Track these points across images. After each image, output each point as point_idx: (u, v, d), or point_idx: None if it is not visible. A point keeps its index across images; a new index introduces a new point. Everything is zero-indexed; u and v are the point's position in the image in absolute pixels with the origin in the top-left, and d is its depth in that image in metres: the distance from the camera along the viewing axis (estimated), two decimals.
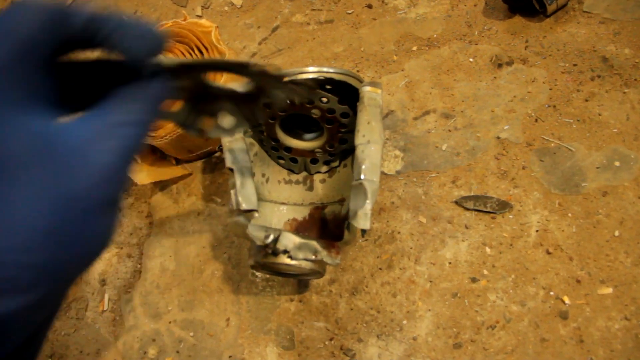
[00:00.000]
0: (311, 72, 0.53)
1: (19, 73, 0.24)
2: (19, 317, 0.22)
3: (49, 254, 0.22)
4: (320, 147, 0.62)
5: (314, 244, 0.52)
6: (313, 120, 0.58)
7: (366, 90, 0.53)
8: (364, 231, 0.49)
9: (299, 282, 0.63)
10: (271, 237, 0.51)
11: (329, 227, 0.61)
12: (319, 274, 0.56)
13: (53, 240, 0.22)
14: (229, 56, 0.69)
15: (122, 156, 0.25)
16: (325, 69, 0.53)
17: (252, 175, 0.56)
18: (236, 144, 0.57)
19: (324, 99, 0.54)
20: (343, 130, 0.59)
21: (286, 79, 0.51)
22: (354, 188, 0.50)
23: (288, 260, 0.52)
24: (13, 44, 0.24)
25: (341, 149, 0.62)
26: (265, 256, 0.53)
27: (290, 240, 0.51)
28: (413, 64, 0.74)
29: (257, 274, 0.65)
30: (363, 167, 0.50)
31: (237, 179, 0.54)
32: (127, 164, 0.26)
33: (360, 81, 0.55)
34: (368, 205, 0.49)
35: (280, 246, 0.51)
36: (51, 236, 0.22)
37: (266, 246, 0.51)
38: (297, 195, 0.66)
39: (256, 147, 0.64)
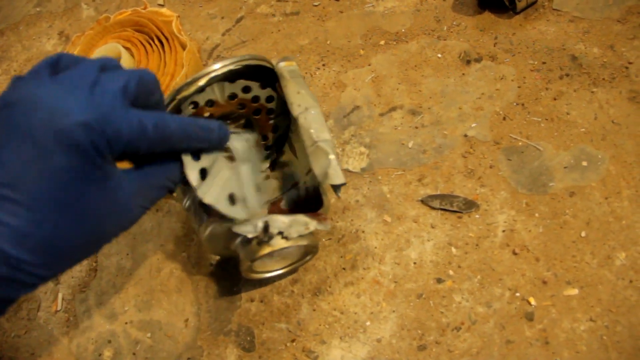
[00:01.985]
0: (223, 65, 0.51)
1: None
2: None
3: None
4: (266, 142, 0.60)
5: (302, 217, 0.51)
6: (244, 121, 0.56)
7: (283, 66, 0.52)
8: (337, 188, 0.48)
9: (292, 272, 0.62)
10: (261, 224, 0.49)
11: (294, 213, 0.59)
12: (315, 249, 0.55)
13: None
14: (191, 47, 0.66)
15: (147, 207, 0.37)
16: (236, 59, 0.51)
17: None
18: None
19: (246, 89, 0.53)
20: (272, 116, 0.57)
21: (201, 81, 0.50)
22: (311, 154, 0.49)
23: (285, 242, 0.50)
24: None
25: (275, 137, 0.60)
26: (260, 246, 0.51)
27: (279, 221, 0.49)
28: (380, 58, 0.72)
29: (214, 275, 0.63)
30: (312, 131, 0.49)
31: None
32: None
33: (270, 64, 0.54)
34: (333, 161, 0.47)
35: (274, 229, 0.49)
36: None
37: (258, 236, 0.49)
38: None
39: None
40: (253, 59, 0.52)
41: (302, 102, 0.50)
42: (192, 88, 0.50)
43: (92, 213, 0.32)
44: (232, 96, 0.53)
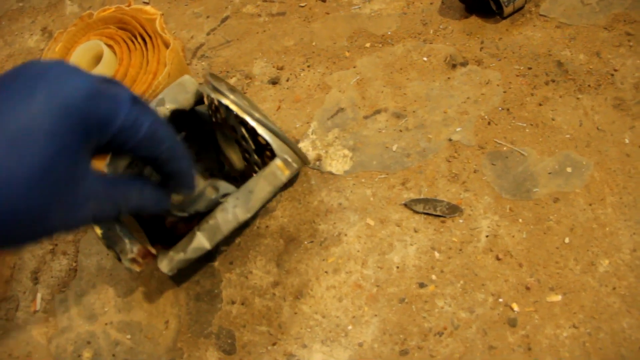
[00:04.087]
0: (234, 102, 0.50)
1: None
2: None
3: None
4: (241, 170, 0.60)
5: (126, 244, 0.50)
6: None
7: (275, 162, 0.51)
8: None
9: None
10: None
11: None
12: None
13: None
14: (174, 46, 0.65)
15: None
16: (252, 114, 0.50)
17: None
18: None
19: (244, 140, 0.52)
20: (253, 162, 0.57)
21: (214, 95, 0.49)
22: (190, 232, 0.49)
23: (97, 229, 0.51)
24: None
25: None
26: None
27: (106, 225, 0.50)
28: (365, 61, 0.72)
29: (195, 276, 0.63)
30: (209, 222, 0.49)
31: None
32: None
33: (296, 153, 0.52)
34: (180, 255, 0.49)
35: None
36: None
37: None
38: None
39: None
40: (274, 132, 0.51)
41: (239, 199, 0.50)
42: (217, 95, 0.51)
43: (48, 191, 0.30)
44: (234, 129, 0.52)
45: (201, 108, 0.60)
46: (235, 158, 0.59)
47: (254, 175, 0.51)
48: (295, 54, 0.75)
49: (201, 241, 0.48)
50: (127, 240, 0.49)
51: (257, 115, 0.50)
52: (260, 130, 0.50)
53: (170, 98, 0.54)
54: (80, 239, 0.70)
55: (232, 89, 0.56)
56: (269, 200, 0.50)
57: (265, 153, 0.54)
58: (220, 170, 0.64)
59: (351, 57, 0.72)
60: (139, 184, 0.39)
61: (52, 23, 0.90)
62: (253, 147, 0.52)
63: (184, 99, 0.55)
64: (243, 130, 0.51)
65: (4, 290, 0.69)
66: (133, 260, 0.49)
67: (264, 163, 0.55)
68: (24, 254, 0.71)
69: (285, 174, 0.50)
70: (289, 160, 0.51)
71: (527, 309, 0.55)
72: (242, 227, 0.62)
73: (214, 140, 0.62)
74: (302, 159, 0.52)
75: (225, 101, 0.50)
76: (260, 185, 0.50)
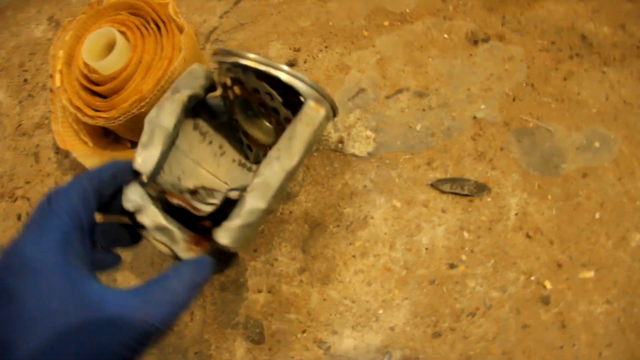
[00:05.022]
0: (254, 60, 0.48)
1: (74, 247, 0.35)
2: None
3: None
4: (271, 144, 0.58)
5: (176, 233, 0.47)
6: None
7: (307, 104, 0.48)
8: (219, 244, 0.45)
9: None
10: (132, 205, 0.45)
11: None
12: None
13: None
14: (189, 30, 0.64)
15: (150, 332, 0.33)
16: (273, 65, 0.48)
17: (166, 140, 0.50)
18: (171, 103, 0.52)
19: (270, 96, 0.50)
20: None
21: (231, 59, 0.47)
22: (241, 198, 0.45)
23: (146, 235, 0.47)
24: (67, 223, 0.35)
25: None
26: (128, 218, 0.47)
27: (151, 218, 0.46)
28: (385, 40, 0.70)
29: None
30: (256, 180, 0.45)
31: (144, 136, 0.49)
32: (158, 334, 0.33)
33: (322, 94, 0.50)
34: (235, 222, 0.44)
35: (138, 219, 0.45)
36: None
37: (128, 212, 0.46)
38: (240, 180, 0.62)
39: (225, 118, 0.60)
40: (297, 77, 0.49)
41: (280, 149, 0.47)
42: (231, 59, 0.49)
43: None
44: (257, 91, 0.50)
45: (213, 100, 0.58)
46: (261, 134, 0.58)
47: (290, 124, 0.49)
48: (311, 34, 0.73)
49: (253, 202, 0.45)
50: (176, 231, 0.47)
51: (277, 64, 0.48)
52: (284, 76, 0.48)
53: (184, 84, 0.53)
54: None
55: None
56: (311, 148, 0.47)
57: (293, 107, 0.52)
58: (246, 158, 0.62)
59: (370, 36, 0.71)
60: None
61: (58, 12, 0.88)
62: (281, 99, 0.50)
63: (198, 84, 0.54)
64: (267, 85, 0.49)
65: None
66: (189, 249, 0.48)
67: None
68: None
69: (320, 113, 0.48)
70: (321, 98, 0.49)
71: (559, 286, 0.54)
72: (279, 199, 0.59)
73: (231, 131, 0.61)
74: (331, 102, 0.50)
75: (242, 61, 0.48)
76: (299, 129, 0.47)
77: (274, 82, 0.49)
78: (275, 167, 0.46)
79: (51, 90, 0.69)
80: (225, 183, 0.61)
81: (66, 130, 0.68)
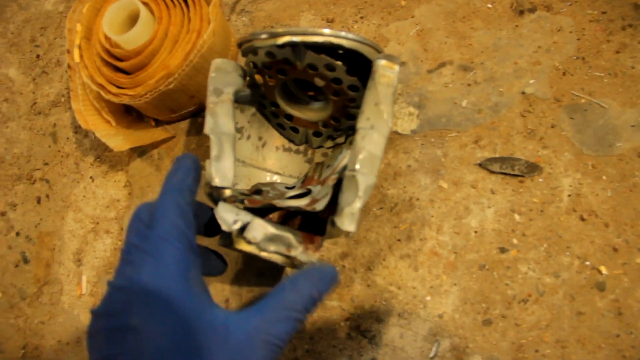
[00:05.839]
0: (311, 33, 0.45)
1: (193, 273, 0.35)
2: None
3: None
4: (325, 120, 0.55)
5: (289, 237, 0.45)
6: (319, 88, 0.50)
7: (380, 65, 0.45)
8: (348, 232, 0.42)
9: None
10: (239, 224, 0.43)
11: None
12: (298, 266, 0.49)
13: None
14: (217, 0, 0.60)
15: (274, 351, 0.33)
16: (332, 33, 0.45)
17: (234, 145, 0.48)
18: (221, 106, 0.49)
19: (330, 67, 0.47)
20: (352, 104, 0.51)
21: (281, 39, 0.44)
22: (346, 179, 0.43)
23: (256, 251, 0.45)
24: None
25: (348, 124, 0.55)
26: (232, 242, 0.45)
27: (260, 230, 0.44)
28: (424, 9, 0.66)
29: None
30: (360, 156, 0.43)
31: (214, 149, 0.47)
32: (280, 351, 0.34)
33: (378, 51, 0.47)
34: (357, 204, 0.42)
35: (248, 236, 0.44)
36: None
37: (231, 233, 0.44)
38: (294, 166, 0.59)
39: (254, 108, 0.57)
40: (361, 42, 0.46)
41: (372, 117, 0.44)
42: (269, 42, 0.46)
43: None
44: (313, 66, 0.47)
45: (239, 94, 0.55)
46: (311, 113, 0.55)
47: (368, 89, 0.46)
48: (345, 4, 0.69)
49: (366, 179, 0.42)
50: (289, 235, 0.45)
51: (336, 31, 0.45)
52: (346, 42, 0.45)
53: (223, 83, 0.50)
54: (123, 215, 0.66)
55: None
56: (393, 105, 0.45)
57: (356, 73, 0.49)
58: (290, 141, 0.60)
59: (408, 5, 0.67)
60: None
61: None
62: (345, 67, 0.47)
63: (234, 78, 0.51)
64: (327, 57, 0.46)
65: (45, 274, 0.65)
66: (306, 251, 0.45)
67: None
68: (64, 234, 0.67)
69: (395, 70, 0.45)
70: (389, 55, 0.46)
71: (615, 272, 0.52)
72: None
73: (266, 119, 0.59)
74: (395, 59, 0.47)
75: (295, 39, 0.45)
76: (382, 91, 0.44)
77: (333, 52, 0.46)
78: (374, 137, 0.43)
79: (69, 67, 0.65)
80: (277, 173, 0.58)
81: (87, 108, 0.65)
